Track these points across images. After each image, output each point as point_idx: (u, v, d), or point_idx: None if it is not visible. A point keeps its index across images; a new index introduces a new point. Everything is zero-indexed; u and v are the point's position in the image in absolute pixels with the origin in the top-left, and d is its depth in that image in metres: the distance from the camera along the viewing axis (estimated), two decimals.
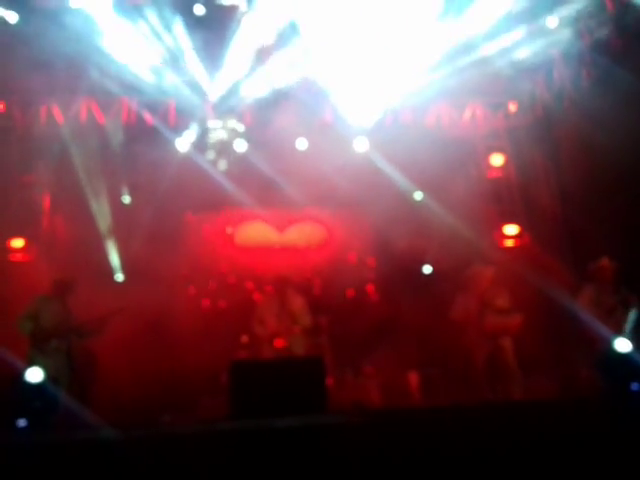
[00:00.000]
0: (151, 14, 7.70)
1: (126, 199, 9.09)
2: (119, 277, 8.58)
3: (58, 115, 8.83)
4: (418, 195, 9.87)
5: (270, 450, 3.64)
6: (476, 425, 3.90)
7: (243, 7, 7.90)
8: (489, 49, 8.21)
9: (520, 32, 8.06)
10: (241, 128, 9.34)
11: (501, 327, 6.36)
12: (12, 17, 7.75)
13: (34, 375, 5.20)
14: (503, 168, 10.11)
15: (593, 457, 3.61)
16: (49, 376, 5.47)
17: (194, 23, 7.88)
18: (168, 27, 7.86)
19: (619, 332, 5.91)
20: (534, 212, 9.79)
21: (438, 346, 8.05)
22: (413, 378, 7.74)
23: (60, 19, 7.53)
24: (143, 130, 9.09)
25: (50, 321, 5.96)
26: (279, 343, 6.52)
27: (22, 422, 4.51)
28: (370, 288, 9.87)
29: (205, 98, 8.84)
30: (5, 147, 8.67)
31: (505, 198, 9.95)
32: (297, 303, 6.82)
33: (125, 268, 8.62)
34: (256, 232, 10.01)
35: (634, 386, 4.66)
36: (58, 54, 7.69)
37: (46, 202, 8.53)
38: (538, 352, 7.29)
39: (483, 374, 6.42)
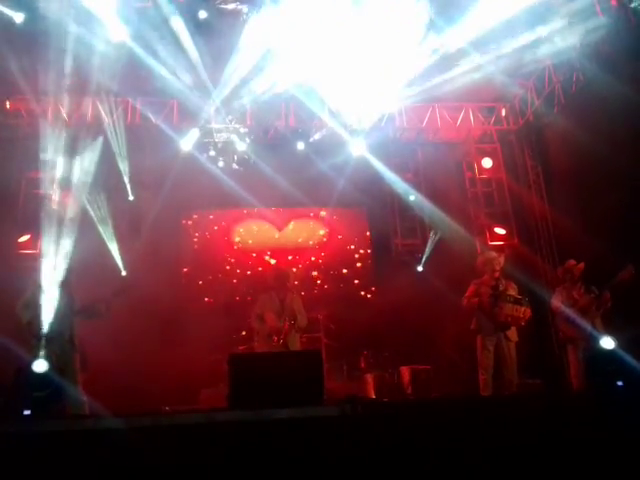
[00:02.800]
0: (156, 17, 7.80)
1: (130, 197, 9.21)
2: (123, 272, 8.66)
3: (64, 113, 8.95)
4: (412, 196, 10.02)
5: (267, 440, 3.70)
6: (466, 417, 3.97)
7: (245, 12, 7.98)
8: (482, 55, 8.33)
9: (512, 39, 8.16)
10: (243, 129, 9.47)
11: (512, 317, 6.37)
12: (18, 17, 7.81)
13: (40, 366, 5.24)
14: (494, 171, 10.32)
15: (579, 452, 3.69)
16: (53, 364, 5.31)
17: (198, 26, 7.96)
18: (173, 30, 7.93)
19: (595, 329, 6.14)
20: (523, 214, 9.98)
21: (429, 342, 8.19)
22: (405, 372, 7.88)
23: (66, 19, 7.58)
24: (147, 129, 9.22)
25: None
26: (278, 340, 6.52)
27: (27, 412, 4.39)
28: (366, 285, 10.04)
29: (208, 99, 8.95)
30: (13, 144, 8.82)
31: (496, 200, 10.12)
32: (296, 301, 6.82)
33: (128, 263, 8.70)
34: (257, 230, 10.19)
35: (619, 382, 4.65)
36: (64, 54, 7.75)
37: (52, 198, 8.56)
38: (526, 349, 7.36)
39: (489, 363, 6.42)
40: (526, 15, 7.86)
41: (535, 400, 4.92)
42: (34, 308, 5.75)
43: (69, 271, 6.08)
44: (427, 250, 9.87)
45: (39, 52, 7.59)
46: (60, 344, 5.69)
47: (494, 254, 6.85)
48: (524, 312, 6.37)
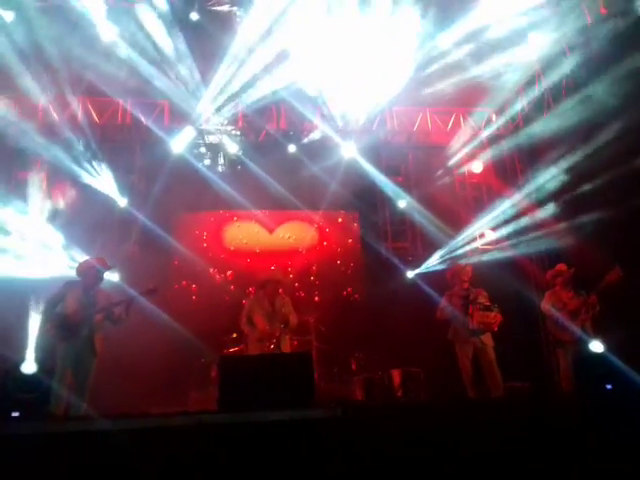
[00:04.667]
0: (147, 18, 7.79)
1: (121, 198, 9.14)
2: (114, 275, 8.48)
3: (54, 113, 8.89)
4: (403, 200, 10.05)
5: (257, 443, 3.71)
6: (454, 420, 4.02)
7: (238, 14, 7.99)
8: (472, 60, 8.39)
9: (502, 44, 8.24)
10: (234, 131, 9.46)
11: (484, 323, 6.52)
12: (8, 15, 7.76)
13: (28, 367, 5.18)
14: (484, 175, 10.37)
15: (568, 454, 3.75)
16: (66, 363, 5.53)
17: (190, 28, 7.96)
18: (164, 31, 7.92)
19: (585, 332, 6.17)
20: (513, 217, 9.99)
21: (420, 345, 8.19)
22: (396, 375, 7.84)
23: (57, 20, 7.54)
24: (138, 131, 9.17)
25: (71, 307, 5.72)
26: (269, 346, 6.51)
27: (15, 413, 4.40)
28: (357, 288, 10.05)
29: (200, 101, 8.93)
30: (2, 144, 8.72)
31: (486, 204, 10.14)
32: (287, 304, 6.81)
33: (119, 266, 8.49)
34: (247, 232, 10.13)
35: (608, 386, 4.71)
36: (55, 53, 7.72)
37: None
38: (513, 352, 7.41)
39: (469, 370, 6.55)
40: (517, 21, 7.96)
41: (524, 403, 4.97)
42: (60, 306, 5.76)
43: (93, 273, 6.02)
44: (429, 259, 9.86)
45: (28, 51, 7.56)
46: (77, 343, 5.68)
47: (461, 265, 7.06)
48: (494, 317, 6.53)
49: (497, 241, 9.93)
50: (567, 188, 8.43)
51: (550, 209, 9.10)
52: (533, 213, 9.59)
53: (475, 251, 9.77)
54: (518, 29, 8.10)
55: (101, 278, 6.07)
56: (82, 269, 6.03)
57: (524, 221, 9.54)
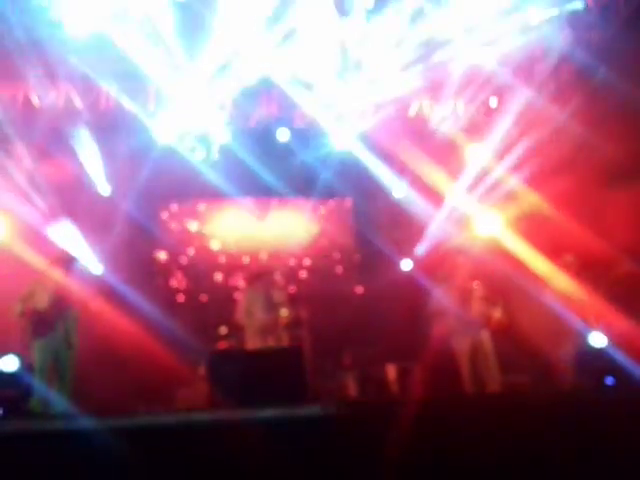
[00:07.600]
0: None
1: (105, 188, 8.95)
2: (98, 270, 8.39)
3: (35, 99, 8.61)
4: (399, 189, 9.91)
5: (249, 441, 3.62)
6: (452, 417, 3.96)
7: None
8: (471, 43, 8.27)
9: (502, 27, 8.13)
10: (223, 117, 9.26)
11: (484, 314, 6.52)
12: None
13: (8, 364, 5.21)
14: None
15: (569, 451, 3.67)
16: (45, 359, 5.65)
17: (178, 9, 7.77)
18: (151, 13, 7.72)
19: (587, 325, 6.12)
20: (512, 205, 9.90)
21: (416, 339, 8.13)
22: (391, 370, 7.81)
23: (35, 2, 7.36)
24: (122, 116, 8.96)
25: (44, 303, 5.80)
26: (270, 337, 6.54)
27: None
28: (351, 280, 9.93)
29: (187, 85, 8.71)
30: None
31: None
32: (280, 295, 6.87)
33: (104, 258, 8.46)
34: (237, 221, 10.00)
35: (608, 380, 4.79)
36: (34, 38, 7.55)
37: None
38: (513, 346, 7.35)
39: (465, 364, 6.53)
40: (515, 3, 7.86)
41: (522, 398, 5.02)
42: (32, 302, 5.82)
43: (61, 266, 6.13)
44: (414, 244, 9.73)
45: (5, 35, 7.39)
46: (54, 339, 5.77)
47: (459, 259, 7.04)
48: (495, 312, 6.53)
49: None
50: None
51: None
52: None
53: (472, 240, 9.69)
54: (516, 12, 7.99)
55: (69, 270, 6.17)
56: (50, 263, 6.15)
57: None
